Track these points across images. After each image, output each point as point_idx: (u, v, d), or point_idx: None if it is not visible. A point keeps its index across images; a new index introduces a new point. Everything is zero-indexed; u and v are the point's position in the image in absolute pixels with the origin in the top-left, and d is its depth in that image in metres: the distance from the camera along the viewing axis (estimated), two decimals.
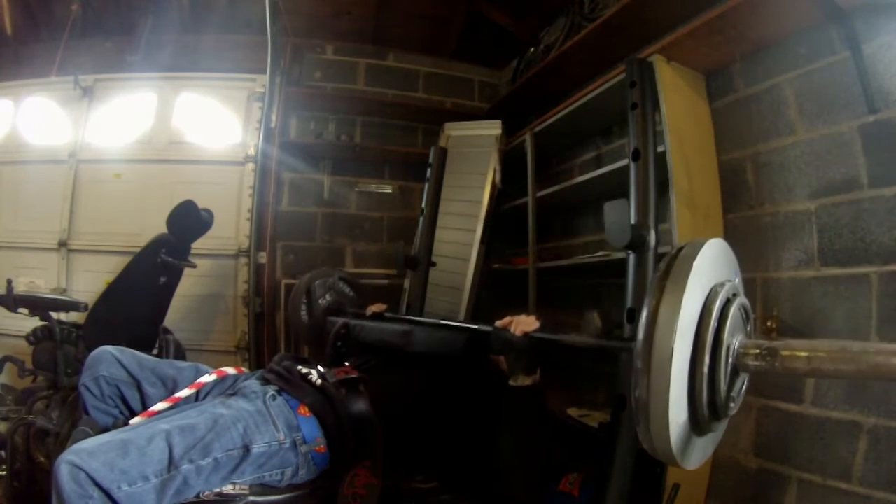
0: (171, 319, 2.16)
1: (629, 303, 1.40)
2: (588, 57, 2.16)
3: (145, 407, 1.14)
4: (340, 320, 1.84)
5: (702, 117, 1.70)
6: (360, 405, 1.18)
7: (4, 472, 1.51)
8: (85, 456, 0.84)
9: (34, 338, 1.80)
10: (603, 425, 1.73)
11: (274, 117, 2.87)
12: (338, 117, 3.04)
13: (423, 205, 2.58)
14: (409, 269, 2.53)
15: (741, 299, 0.81)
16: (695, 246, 0.78)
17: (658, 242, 1.43)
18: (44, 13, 2.95)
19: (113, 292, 2.01)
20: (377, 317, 1.92)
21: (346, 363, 1.38)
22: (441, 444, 1.24)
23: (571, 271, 2.27)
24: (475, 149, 2.56)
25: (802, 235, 1.43)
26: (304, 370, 1.22)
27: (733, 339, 0.77)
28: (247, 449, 1.00)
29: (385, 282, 2.90)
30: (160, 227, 2.01)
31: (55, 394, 1.64)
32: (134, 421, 1.08)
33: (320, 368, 1.25)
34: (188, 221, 2.01)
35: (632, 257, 1.43)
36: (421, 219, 2.58)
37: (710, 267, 0.79)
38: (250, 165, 2.84)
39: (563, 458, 1.24)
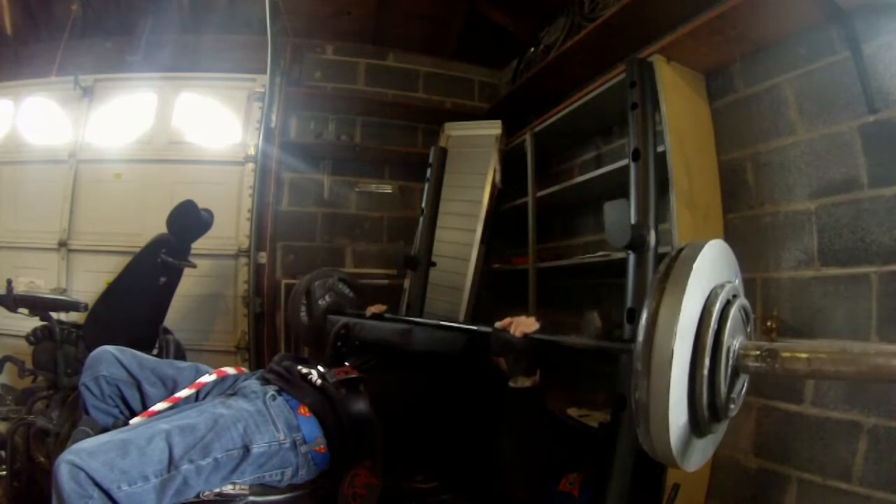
0: (171, 319, 2.16)
1: (629, 303, 1.40)
2: (588, 57, 2.16)
3: (145, 407, 1.14)
4: (341, 320, 1.84)
5: (702, 117, 1.70)
6: (360, 405, 1.18)
7: (4, 472, 1.51)
8: (85, 456, 0.84)
9: (34, 338, 1.80)
10: (603, 425, 1.73)
11: (274, 117, 2.87)
12: (338, 117, 3.04)
13: (423, 205, 2.58)
14: (409, 269, 2.53)
15: (741, 300, 0.81)
16: (695, 247, 0.78)
17: (658, 242, 1.43)
18: (44, 13, 2.95)
19: (113, 292, 2.01)
20: (377, 318, 1.92)
21: (346, 363, 1.38)
22: (441, 444, 1.24)
23: (571, 271, 2.27)
24: (475, 149, 2.56)
25: (802, 235, 1.43)
26: (304, 370, 1.22)
27: (733, 341, 0.77)
28: (247, 449, 1.00)
29: (385, 282, 2.90)
30: (160, 227, 2.01)
31: (55, 394, 1.64)
32: (134, 421, 1.08)
33: (320, 368, 1.25)
34: (188, 221, 2.01)
35: (632, 257, 1.43)
36: (421, 219, 2.58)
37: (710, 268, 0.79)
38: (250, 165, 2.84)
39: (563, 458, 1.23)
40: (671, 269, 0.77)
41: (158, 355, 1.82)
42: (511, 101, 2.80)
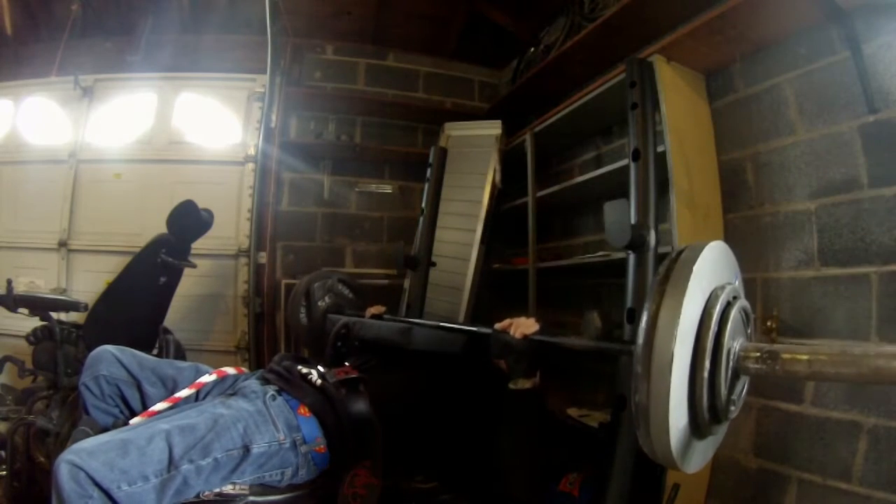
0: (171, 319, 2.16)
1: (629, 303, 1.40)
2: (588, 57, 2.16)
3: (145, 407, 1.14)
4: (342, 319, 1.84)
5: (702, 117, 1.70)
6: (360, 405, 1.18)
7: (4, 472, 1.51)
8: (85, 455, 0.84)
9: (34, 338, 1.80)
10: (603, 425, 1.73)
11: (274, 117, 2.87)
12: (338, 117, 3.04)
13: (423, 205, 2.58)
14: (409, 269, 2.53)
15: (742, 302, 0.81)
16: (695, 249, 0.78)
17: (658, 242, 1.43)
18: (44, 13, 2.95)
19: (113, 292, 2.01)
20: (376, 319, 1.92)
21: (346, 363, 1.38)
22: (441, 444, 1.24)
23: (571, 271, 2.27)
24: (475, 149, 2.56)
25: (802, 235, 1.42)
26: (304, 370, 1.22)
27: (734, 343, 0.77)
28: (247, 449, 1.00)
29: (385, 282, 2.90)
30: (160, 227, 2.01)
31: (55, 394, 1.64)
32: (134, 421, 1.08)
33: (320, 368, 1.25)
34: (188, 221, 2.01)
35: (632, 257, 1.43)
36: (421, 219, 2.57)
37: (711, 270, 0.79)
38: (250, 165, 2.84)
39: (563, 458, 1.23)
40: (671, 271, 0.77)
41: (158, 355, 1.82)
42: (511, 101, 2.80)
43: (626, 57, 1.73)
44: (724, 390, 0.76)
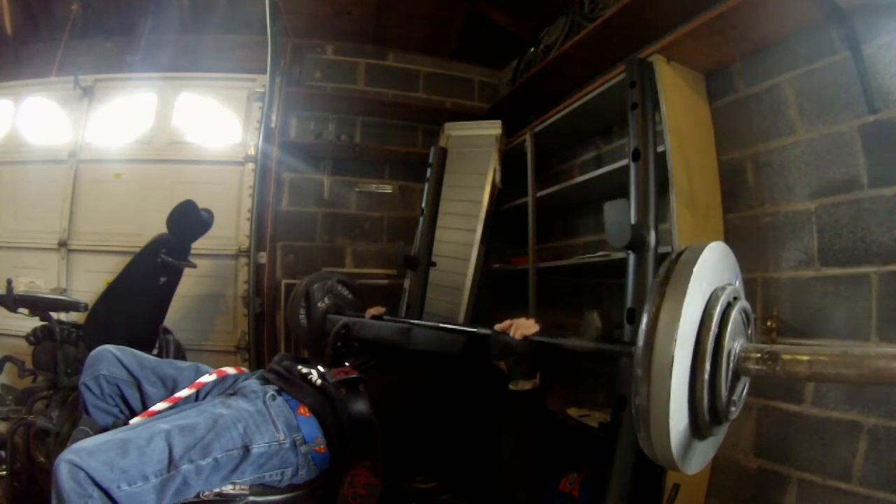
0: (171, 319, 2.16)
1: (629, 303, 1.40)
2: (588, 57, 2.16)
3: (145, 406, 1.14)
4: (342, 320, 1.84)
5: (702, 117, 1.70)
6: (360, 405, 1.18)
7: (4, 472, 1.51)
8: (84, 455, 0.84)
9: (34, 338, 1.80)
10: (603, 425, 1.73)
11: (274, 117, 2.87)
12: (338, 117, 3.04)
13: (423, 205, 2.58)
14: (409, 269, 2.53)
15: (742, 303, 0.81)
16: (695, 250, 0.78)
17: (658, 242, 1.43)
18: (44, 13, 2.95)
19: (113, 292, 2.01)
20: (376, 320, 1.92)
21: (346, 363, 1.38)
22: (441, 444, 1.24)
23: (571, 271, 2.27)
24: (475, 149, 2.56)
25: (802, 235, 1.42)
26: (304, 370, 1.22)
27: (734, 344, 0.77)
28: (247, 449, 1.00)
29: (385, 282, 2.91)
30: (160, 227, 2.01)
31: (55, 394, 1.64)
32: (134, 420, 1.08)
33: (320, 368, 1.25)
34: (188, 221, 2.01)
35: (632, 257, 1.43)
36: (421, 219, 2.57)
37: (711, 271, 0.79)
38: (250, 165, 2.84)
39: (563, 458, 1.23)
40: (671, 272, 0.77)
41: (158, 355, 1.82)
42: (511, 101, 2.80)
43: (626, 57, 1.73)
44: (724, 392, 0.76)
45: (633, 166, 1.52)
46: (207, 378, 1.21)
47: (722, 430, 0.85)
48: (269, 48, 2.77)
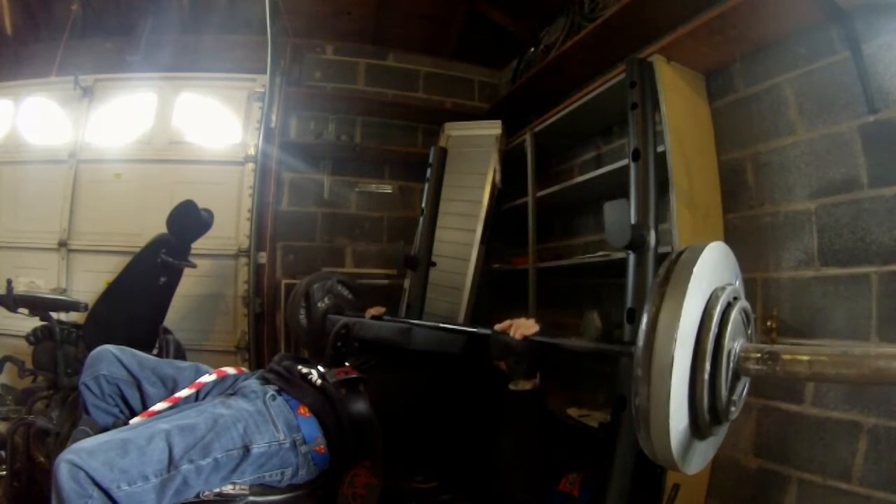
0: (171, 319, 2.16)
1: (629, 303, 1.40)
2: (588, 57, 2.16)
3: (145, 406, 1.14)
4: (342, 320, 1.84)
5: (702, 117, 1.70)
6: (360, 405, 1.18)
7: (4, 472, 1.51)
8: (84, 455, 0.84)
9: (34, 338, 1.80)
10: (603, 425, 1.73)
11: (274, 117, 2.87)
12: (338, 117, 3.04)
13: (423, 205, 2.58)
14: (409, 269, 2.53)
15: (742, 303, 0.81)
16: (695, 250, 0.78)
17: (658, 242, 1.43)
18: (44, 13, 2.95)
19: (113, 292, 2.01)
20: (376, 320, 1.92)
21: (346, 363, 1.38)
22: (441, 444, 1.24)
23: (571, 271, 2.27)
24: (475, 149, 2.56)
25: (802, 235, 1.42)
26: (304, 370, 1.22)
27: (734, 344, 0.77)
28: (247, 449, 1.00)
29: (385, 282, 2.91)
30: (160, 227, 2.01)
31: (55, 394, 1.64)
32: (134, 420, 1.08)
33: (320, 368, 1.25)
34: (188, 221, 2.01)
35: (632, 257, 1.43)
36: (421, 219, 2.57)
37: (711, 271, 0.79)
38: (250, 165, 2.84)
39: (563, 458, 1.23)
40: (671, 272, 0.77)
41: (158, 355, 1.81)
42: (511, 101, 2.80)
43: (626, 57, 1.73)
44: (724, 392, 0.76)
45: (633, 166, 1.52)
46: (207, 378, 1.21)
47: (722, 430, 0.85)
48: (269, 48, 2.77)
